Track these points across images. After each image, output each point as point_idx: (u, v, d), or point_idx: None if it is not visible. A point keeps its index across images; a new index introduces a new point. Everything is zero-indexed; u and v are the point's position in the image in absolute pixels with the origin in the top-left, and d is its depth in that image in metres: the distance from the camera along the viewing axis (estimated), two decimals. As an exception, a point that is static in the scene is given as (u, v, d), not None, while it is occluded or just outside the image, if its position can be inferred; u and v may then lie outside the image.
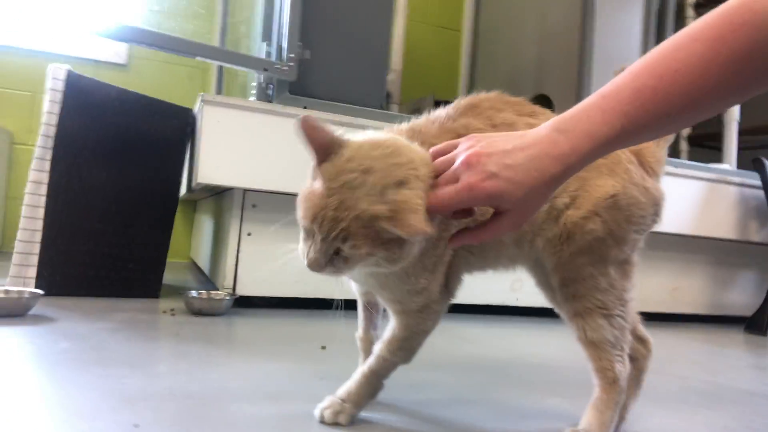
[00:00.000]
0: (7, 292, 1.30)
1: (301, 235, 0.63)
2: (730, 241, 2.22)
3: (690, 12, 2.92)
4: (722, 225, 2.19)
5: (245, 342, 1.27)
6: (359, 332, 0.89)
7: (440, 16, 3.45)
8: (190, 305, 1.48)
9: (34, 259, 1.54)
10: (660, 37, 2.43)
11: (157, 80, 2.93)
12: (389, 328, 0.76)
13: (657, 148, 0.81)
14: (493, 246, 0.75)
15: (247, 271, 1.62)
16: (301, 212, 0.62)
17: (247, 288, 1.62)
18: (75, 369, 0.89)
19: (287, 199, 1.64)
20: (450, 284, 0.75)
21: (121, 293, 1.62)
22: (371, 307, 0.87)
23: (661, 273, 2.20)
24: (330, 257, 0.60)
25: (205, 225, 2.42)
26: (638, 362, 0.82)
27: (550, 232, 0.74)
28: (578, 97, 2.37)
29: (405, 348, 0.75)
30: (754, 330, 2.11)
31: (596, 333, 0.72)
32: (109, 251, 1.62)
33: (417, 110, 3.12)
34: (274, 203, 1.65)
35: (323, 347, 1.21)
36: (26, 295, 1.29)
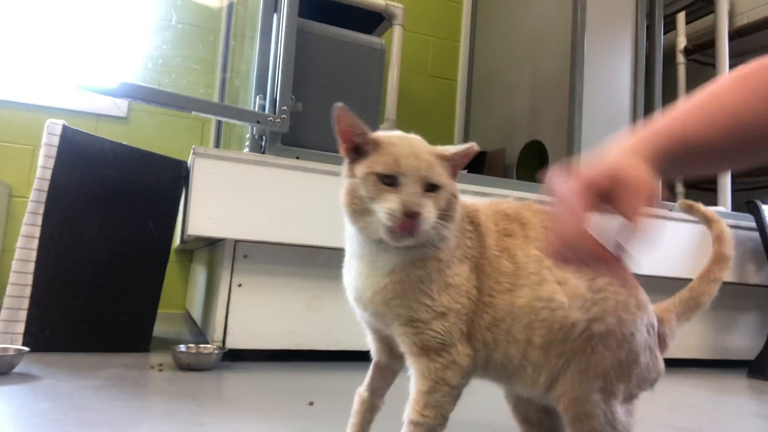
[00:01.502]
0: (-9, 349, 1.28)
1: (378, 198, 0.67)
2: (729, 283, 2.20)
3: (680, 58, 2.99)
4: (720, 268, 2.17)
5: (231, 399, 1.25)
6: (361, 388, 0.82)
7: (435, 66, 3.53)
8: (179, 360, 1.46)
9: (23, 315, 1.52)
10: (648, 82, 2.47)
11: (156, 132, 2.97)
12: (411, 387, 0.72)
13: (676, 325, 0.81)
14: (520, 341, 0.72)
15: (238, 323, 1.60)
16: (379, 167, 0.67)
17: (237, 341, 1.60)
18: (51, 431, 0.87)
19: (279, 248, 1.65)
20: (471, 340, 0.72)
21: (111, 348, 1.60)
22: (383, 369, 0.81)
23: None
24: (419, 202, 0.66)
25: (199, 275, 2.41)
26: None
27: None
28: (570, 143, 2.40)
29: (432, 405, 0.70)
30: (756, 374, 2.06)
31: None
32: (100, 305, 1.61)
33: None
34: (266, 253, 1.64)
35: (311, 403, 1.18)
36: (11, 353, 1.27)
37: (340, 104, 0.70)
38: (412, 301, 0.70)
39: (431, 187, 0.68)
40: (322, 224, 1.60)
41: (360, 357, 1.71)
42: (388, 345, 0.78)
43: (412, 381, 0.72)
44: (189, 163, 1.68)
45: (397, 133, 0.74)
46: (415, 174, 0.67)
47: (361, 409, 0.80)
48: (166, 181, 1.71)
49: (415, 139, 0.72)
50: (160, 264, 1.71)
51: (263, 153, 1.65)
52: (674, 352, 2.26)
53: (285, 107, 1.64)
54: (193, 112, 1.57)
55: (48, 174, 1.58)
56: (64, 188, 1.59)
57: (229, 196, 1.54)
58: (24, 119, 2.82)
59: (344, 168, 0.72)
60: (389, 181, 0.66)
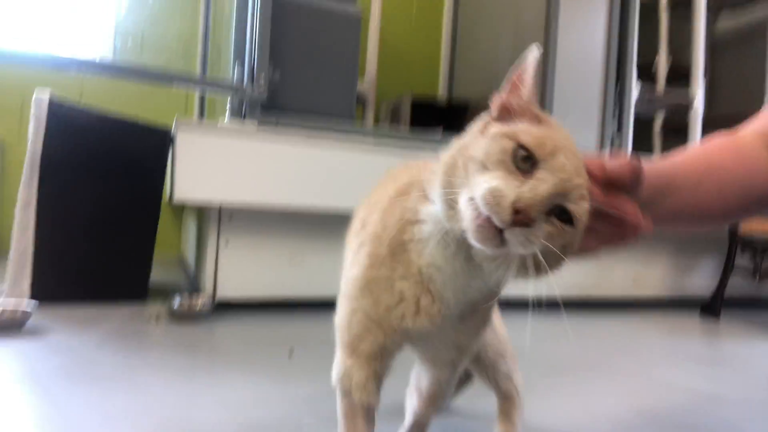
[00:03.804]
0: (2, 310, 1.43)
1: (492, 171, 0.46)
2: (689, 229, 2.34)
3: (663, 14, 2.99)
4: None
5: (221, 351, 1.41)
6: None
7: (418, 15, 3.51)
8: (173, 311, 1.61)
9: (28, 272, 1.66)
10: (622, 35, 2.52)
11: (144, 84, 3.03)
12: (425, 389, 0.71)
13: None
14: None
15: (227, 276, 1.75)
16: (528, 137, 0.47)
17: (226, 292, 1.75)
18: (65, 387, 1.02)
19: (260, 210, 1.77)
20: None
21: (112, 297, 1.75)
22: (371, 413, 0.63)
23: (624, 262, 2.33)
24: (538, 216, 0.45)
25: (190, 224, 2.54)
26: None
27: None
28: (543, 93, 2.46)
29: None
30: (708, 313, 2.25)
31: None
32: (98, 261, 1.74)
33: (396, 109, 3.22)
34: (250, 215, 1.77)
35: (290, 352, 1.34)
36: (20, 312, 1.42)
37: (538, 49, 0.52)
38: (475, 330, 0.62)
39: (562, 215, 0.46)
40: (301, 187, 1.72)
41: (335, 305, 1.87)
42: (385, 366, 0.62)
43: (430, 384, 0.70)
44: (173, 130, 1.78)
45: (562, 127, 0.52)
46: (563, 180, 0.46)
47: None
48: (152, 147, 1.80)
49: (577, 149, 0.49)
50: (151, 223, 1.83)
51: (243, 119, 1.74)
52: (636, 291, 2.44)
53: (262, 75, 1.71)
54: (174, 85, 1.64)
55: (39, 145, 1.67)
56: (55, 158, 1.69)
57: (212, 164, 1.65)
58: (9, 72, 2.86)
59: (475, 125, 0.52)
60: (524, 164, 0.46)
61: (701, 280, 2.48)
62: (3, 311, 1.41)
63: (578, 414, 1.06)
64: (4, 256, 2.76)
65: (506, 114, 0.51)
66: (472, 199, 0.45)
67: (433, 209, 0.52)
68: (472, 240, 0.46)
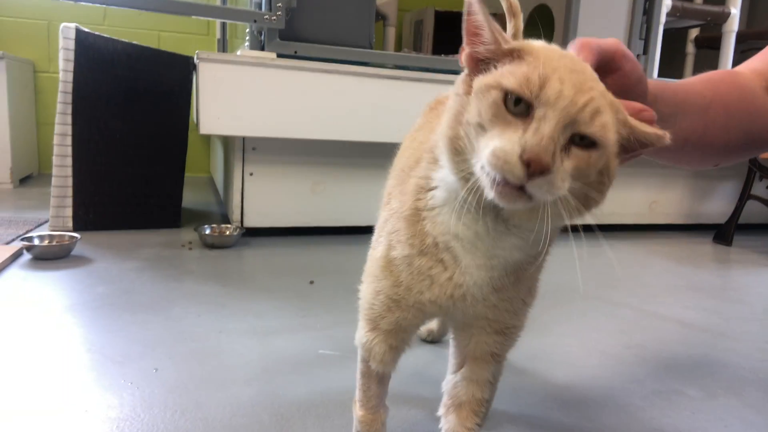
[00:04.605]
0: (50, 237, 1.56)
1: (491, 130, 0.43)
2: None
3: None
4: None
5: (247, 278, 1.53)
6: (365, 412, 0.66)
7: None
8: (205, 240, 1.73)
9: (69, 201, 1.79)
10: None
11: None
12: (467, 395, 0.61)
13: None
14: None
15: (252, 206, 1.85)
16: (510, 80, 0.42)
17: (253, 220, 1.86)
18: (110, 316, 1.15)
19: (283, 141, 1.83)
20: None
21: (148, 225, 1.89)
22: (386, 379, 0.66)
23: (641, 188, 2.35)
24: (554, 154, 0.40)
25: (218, 148, 2.63)
26: None
27: None
28: (569, 7, 2.37)
29: (485, 413, 0.62)
30: (720, 240, 2.29)
31: None
32: (132, 190, 1.86)
33: (419, 23, 3.15)
34: (272, 145, 1.83)
35: (311, 282, 1.45)
36: (66, 240, 1.55)
37: None
38: (518, 304, 0.56)
39: (582, 140, 0.42)
40: (321, 118, 1.77)
41: (355, 231, 1.97)
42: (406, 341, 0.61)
43: (468, 388, 0.60)
44: (195, 60, 1.81)
45: (552, 46, 0.47)
46: (564, 107, 0.41)
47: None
48: (177, 76, 1.85)
49: (579, 61, 0.46)
50: (180, 152, 1.92)
51: (263, 49, 1.76)
52: (652, 218, 2.47)
53: (280, 4, 1.71)
54: (193, 16, 1.65)
55: (69, 77, 1.74)
56: (86, 89, 1.76)
57: (234, 96, 1.69)
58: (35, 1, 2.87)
59: (457, 83, 0.48)
60: (518, 108, 0.42)
61: (718, 206, 2.49)
62: (51, 240, 1.54)
63: (572, 347, 1.16)
64: (43, 175, 2.93)
65: (481, 64, 0.47)
66: (483, 167, 0.42)
67: (444, 174, 0.50)
68: (501, 205, 0.43)
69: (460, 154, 0.45)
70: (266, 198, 1.86)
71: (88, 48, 1.75)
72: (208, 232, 1.76)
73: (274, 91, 1.73)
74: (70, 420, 0.77)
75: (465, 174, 0.45)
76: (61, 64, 1.73)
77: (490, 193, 0.42)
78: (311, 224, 1.93)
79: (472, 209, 0.48)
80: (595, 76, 0.45)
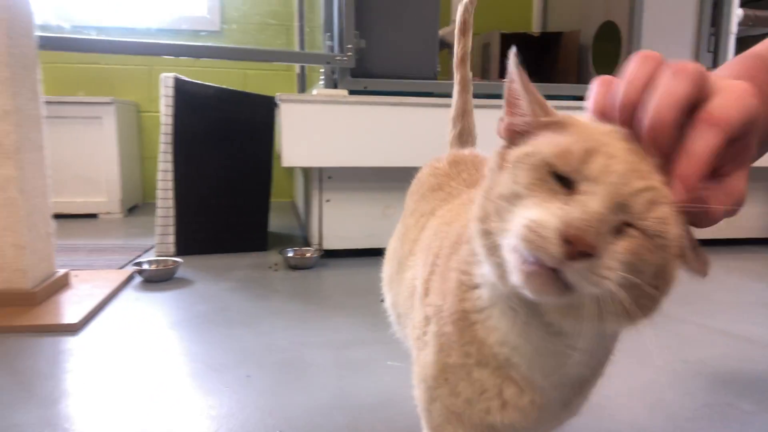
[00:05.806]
0: (157, 262, 1.79)
1: (527, 199, 0.36)
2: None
3: None
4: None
5: (326, 297, 1.67)
6: None
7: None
8: (288, 262, 1.91)
9: (172, 230, 2.03)
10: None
11: (249, 41, 3.31)
12: None
13: None
14: None
15: (329, 230, 2.02)
16: (558, 150, 0.36)
17: (330, 243, 2.02)
18: (209, 330, 1.33)
19: (356, 169, 1.99)
20: None
21: (238, 249, 2.09)
22: None
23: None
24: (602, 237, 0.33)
25: (299, 177, 2.84)
26: None
27: None
28: (635, 25, 2.38)
29: None
30: (807, 253, 2.20)
31: None
32: (225, 218, 2.08)
33: (486, 45, 3.24)
34: (345, 174, 2.00)
35: (382, 300, 1.58)
36: (171, 264, 1.78)
37: (514, 53, 0.40)
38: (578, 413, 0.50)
39: (633, 227, 0.35)
40: (390, 147, 1.91)
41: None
42: None
43: None
44: (276, 100, 2.01)
45: (601, 124, 0.40)
46: (614, 184, 0.34)
47: None
48: (261, 116, 2.07)
49: (626, 138, 0.37)
50: (264, 184, 2.13)
51: (335, 86, 1.93)
52: (728, 231, 2.44)
53: (350, 45, 1.88)
54: (273, 62, 1.85)
55: (170, 120, 1.99)
56: (183, 129, 2.00)
57: (312, 132, 1.87)
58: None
59: (490, 162, 0.42)
60: (560, 185, 0.36)
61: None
62: (158, 265, 1.77)
63: (627, 361, 1.21)
64: (147, 204, 3.26)
65: (518, 137, 0.41)
66: (511, 244, 0.35)
67: (486, 269, 0.41)
68: (529, 294, 0.35)
69: (489, 236, 0.38)
70: (342, 222, 2.02)
71: (184, 94, 1.99)
72: (291, 254, 1.94)
73: (347, 125, 1.89)
74: (178, 417, 0.94)
75: (498, 260, 0.38)
76: (162, 109, 1.99)
77: (514, 276, 0.35)
78: (383, 245, 2.06)
79: (521, 311, 0.40)
80: (654, 163, 0.36)
